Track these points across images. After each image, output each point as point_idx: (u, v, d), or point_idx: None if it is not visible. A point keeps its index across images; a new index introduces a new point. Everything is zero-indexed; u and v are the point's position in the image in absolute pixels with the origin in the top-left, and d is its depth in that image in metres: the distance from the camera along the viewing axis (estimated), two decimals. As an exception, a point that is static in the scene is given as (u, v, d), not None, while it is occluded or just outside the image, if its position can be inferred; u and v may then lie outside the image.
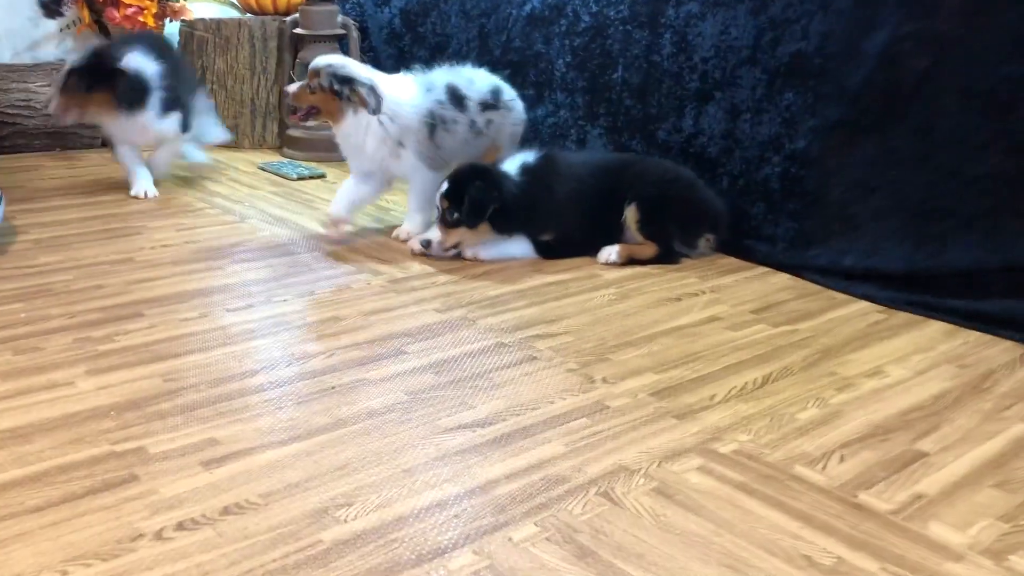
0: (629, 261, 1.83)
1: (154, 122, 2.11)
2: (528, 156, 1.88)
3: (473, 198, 1.76)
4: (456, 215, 1.78)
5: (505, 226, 1.82)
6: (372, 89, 1.84)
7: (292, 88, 1.91)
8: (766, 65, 1.85)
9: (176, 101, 2.14)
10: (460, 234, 1.81)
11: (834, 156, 1.78)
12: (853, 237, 1.76)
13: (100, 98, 2.06)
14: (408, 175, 1.94)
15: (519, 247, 1.86)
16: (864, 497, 1.04)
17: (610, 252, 1.84)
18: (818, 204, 1.81)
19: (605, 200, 1.87)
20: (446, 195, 1.79)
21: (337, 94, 1.84)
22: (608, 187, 1.88)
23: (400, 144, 1.88)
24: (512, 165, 1.84)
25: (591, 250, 1.87)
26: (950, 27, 1.60)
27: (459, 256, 1.84)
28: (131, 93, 2.05)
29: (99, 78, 2.04)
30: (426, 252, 1.83)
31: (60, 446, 1.07)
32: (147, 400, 1.19)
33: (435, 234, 1.82)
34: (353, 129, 1.87)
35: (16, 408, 1.16)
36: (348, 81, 1.84)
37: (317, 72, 1.86)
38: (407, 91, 1.91)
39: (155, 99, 2.08)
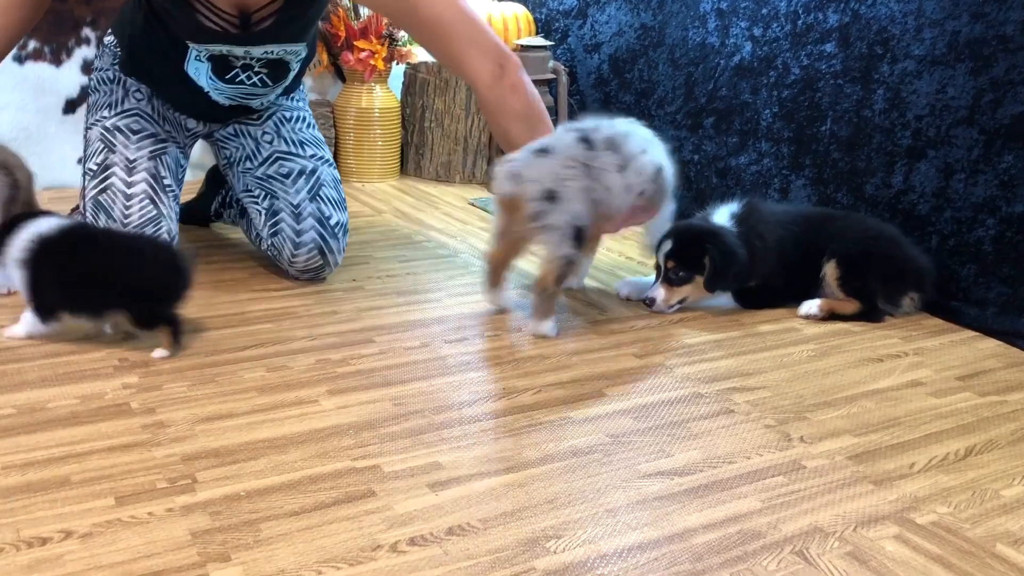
0: (830, 316, 1.84)
1: None
2: (731, 206, 1.92)
3: (715, 264, 1.80)
4: (682, 274, 1.83)
5: (725, 285, 1.86)
6: None
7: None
8: (984, 126, 1.82)
9: None
10: (684, 292, 1.86)
11: (1056, 223, 1.72)
12: (1073, 307, 1.70)
13: None
14: None
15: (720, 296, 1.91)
16: (1071, 585, 1.03)
17: (811, 306, 1.85)
18: (1035, 271, 1.76)
19: (805, 253, 1.89)
20: (671, 256, 1.83)
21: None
22: (808, 240, 1.90)
23: None
24: (722, 217, 1.89)
25: (788, 302, 1.90)
26: None
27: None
28: None
29: None
30: (650, 308, 1.86)
31: (309, 458, 1.23)
32: (379, 422, 1.35)
33: (659, 292, 1.85)
34: None
35: (272, 421, 1.34)
36: None
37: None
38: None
39: None
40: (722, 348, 1.69)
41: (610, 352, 1.65)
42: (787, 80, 2.25)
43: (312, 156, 1.98)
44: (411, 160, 3.07)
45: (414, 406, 1.40)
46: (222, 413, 1.35)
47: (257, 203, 1.94)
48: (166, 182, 1.87)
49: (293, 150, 1.97)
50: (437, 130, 2.98)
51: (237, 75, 1.84)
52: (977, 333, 1.82)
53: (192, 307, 1.78)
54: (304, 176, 1.94)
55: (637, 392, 1.49)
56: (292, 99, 2.05)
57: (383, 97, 2.95)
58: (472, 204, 2.73)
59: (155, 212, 1.81)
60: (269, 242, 1.94)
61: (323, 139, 2.07)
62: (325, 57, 2.98)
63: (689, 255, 1.82)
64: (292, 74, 1.94)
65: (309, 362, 1.55)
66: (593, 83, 2.87)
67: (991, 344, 1.77)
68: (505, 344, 1.67)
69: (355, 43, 2.87)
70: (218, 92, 1.88)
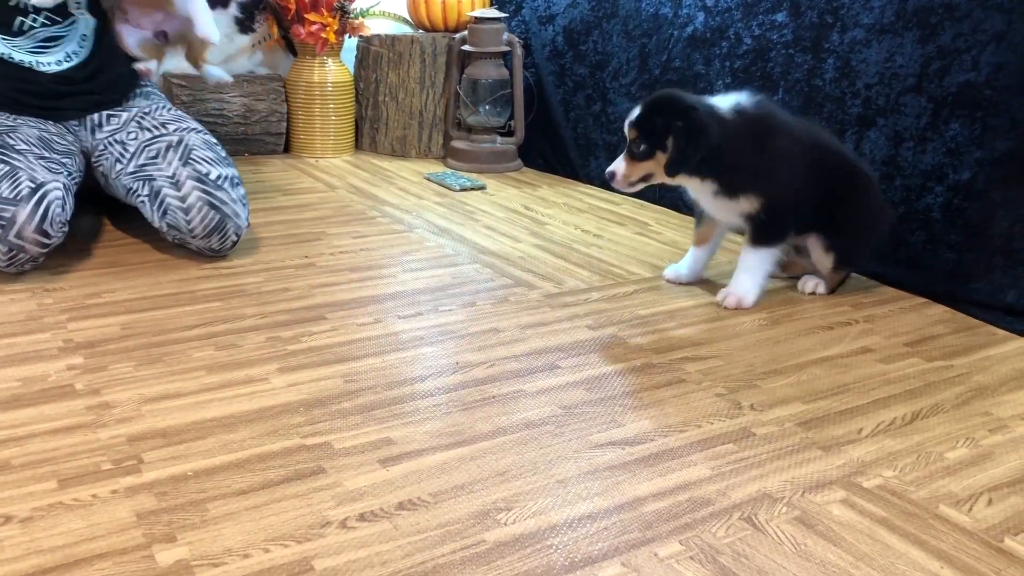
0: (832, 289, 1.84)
1: None
2: (741, 97, 1.68)
3: (679, 144, 1.59)
4: (643, 147, 1.63)
5: (688, 171, 1.65)
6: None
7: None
8: (932, 94, 1.83)
9: None
10: (646, 168, 1.66)
11: (1000, 189, 1.74)
12: (1017, 273, 1.72)
13: None
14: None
15: (765, 263, 1.75)
16: (1010, 543, 1.05)
17: (817, 283, 1.83)
18: (981, 237, 1.78)
19: (817, 184, 1.71)
20: (635, 124, 1.64)
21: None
22: (824, 169, 1.72)
23: None
24: (724, 102, 1.66)
25: (791, 237, 1.77)
26: None
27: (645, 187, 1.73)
28: None
29: None
30: (610, 183, 1.69)
31: (258, 436, 1.22)
32: (331, 399, 1.33)
33: (620, 166, 1.67)
34: None
35: (221, 399, 1.32)
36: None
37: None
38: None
39: None
40: (675, 319, 1.70)
41: (564, 325, 1.65)
42: (739, 51, 2.25)
43: (176, 130, 1.98)
44: (366, 135, 3.04)
45: (366, 382, 1.39)
46: (169, 393, 1.33)
47: (140, 195, 1.90)
48: (18, 147, 1.81)
49: (157, 133, 1.97)
50: (392, 104, 2.95)
51: (23, 24, 1.94)
52: (926, 299, 1.84)
53: (139, 286, 1.75)
54: (172, 148, 1.91)
55: (590, 364, 1.49)
56: (148, 97, 2.12)
57: (336, 71, 2.91)
58: (427, 179, 2.71)
59: (7, 168, 1.74)
60: (166, 227, 1.88)
61: (186, 115, 2.09)
62: (276, 31, 2.93)
63: (652, 127, 1.62)
64: (85, 21, 2.00)
65: (259, 340, 1.53)
66: (548, 55, 2.85)
67: (939, 310, 1.79)
68: (459, 319, 1.66)
69: (306, 16, 2.82)
70: (19, 49, 1.94)
